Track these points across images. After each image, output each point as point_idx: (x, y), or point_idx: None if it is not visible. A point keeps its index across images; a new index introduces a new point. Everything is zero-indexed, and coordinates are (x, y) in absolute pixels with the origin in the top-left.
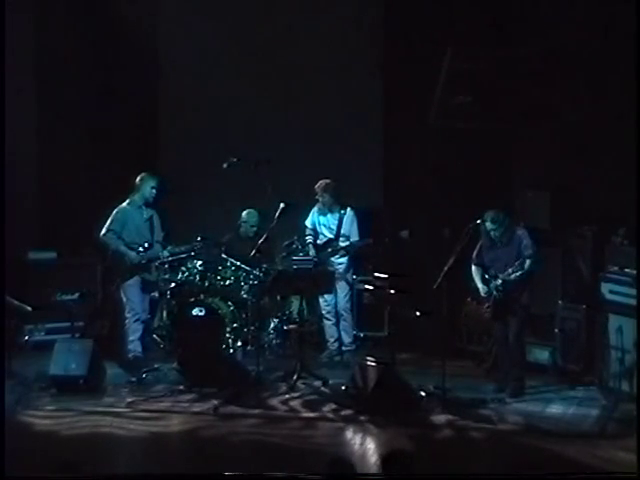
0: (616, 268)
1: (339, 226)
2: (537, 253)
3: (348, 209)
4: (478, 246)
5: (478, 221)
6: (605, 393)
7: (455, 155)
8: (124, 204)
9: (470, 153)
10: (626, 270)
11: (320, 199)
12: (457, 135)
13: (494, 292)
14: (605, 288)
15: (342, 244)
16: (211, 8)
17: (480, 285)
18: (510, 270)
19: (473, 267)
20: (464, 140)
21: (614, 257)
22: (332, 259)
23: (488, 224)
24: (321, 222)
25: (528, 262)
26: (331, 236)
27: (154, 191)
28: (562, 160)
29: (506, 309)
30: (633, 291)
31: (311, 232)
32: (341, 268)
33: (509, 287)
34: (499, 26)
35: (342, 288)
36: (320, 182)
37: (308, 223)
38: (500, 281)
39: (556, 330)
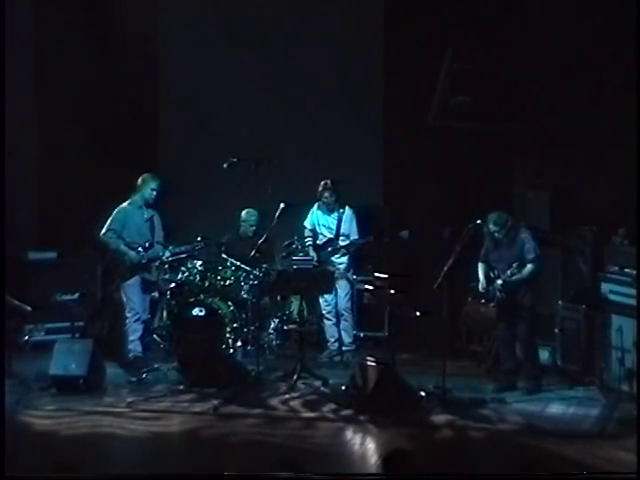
0: (616, 268)
1: (338, 225)
2: (539, 257)
3: (346, 208)
4: (485, 244)
5: (478, 221)
6: (605, 393)
7: (455, 155)
8: (125, 204)
9: (470, 153)
10: (626, 270)
11: (323, 199)
12: (457, 135)
13: (497, 292)
14: (605, 288)
15: (342, 243)
16: (211, 8)
17: (484, 282)
18: (509, 272)
19: (480, 264)
20: (464, 140)
21: (614, 257)
22: (333, 258)
23: (491, 226)
24: (320, 222)
25: (530, 266)
26: (331, 236)
27: (154, 192)
28: (562, 160)
29: (510, 310)
30: (633, 291)
31: (310, 233)
32: (342, 268)
33: (510, 288)
34: (499, 26)
35: (343, 288)
36: (323, 182)
37: (307, 224)
38: (501, 282)
39: (556, 330)
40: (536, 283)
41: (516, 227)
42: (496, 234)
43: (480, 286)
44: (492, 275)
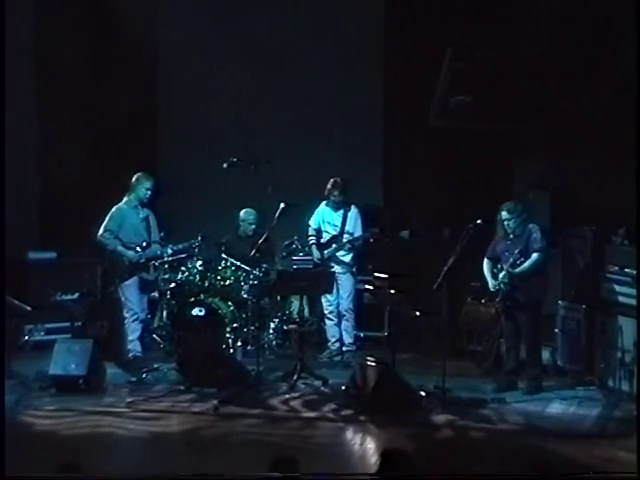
0: (616, 268)
1: (343, 222)
2: (545, 248)
3: (352, 206)
4: (494, 240)
5: (478, 221)
6: (605, 393)
7: (455, 155)
8: (120, 204)
9: (470, 153)
10: (626, 270)
11: (332, 197)
12: (457, 135)
13: (501, 285)
14: (605, 288)
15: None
16: (211, 8)
17: (489, 279)
18: (511, 260)
19: (485, 260)
20: (464, 140)
21: (614, 257)
22: (337, 255)
23: (504, 214)
24: (326, 219)
25: (535, 256)
26: (335, 233)
27: (149, 191)
28: (562, 160)
29: (514, 304)
30: (633, 291)
31: (314, 232)
32: (345, 268)
33: (515, 280)
34: (499, 26)
35: (345, 288)
36: (332, 180)
37: (312, 222)
38: (505, 273)
39: (556, 330)
40: (541, 277)
41: (527, 220)
42: (507, 222)
43: (490, 284)
44: (496, 270)
